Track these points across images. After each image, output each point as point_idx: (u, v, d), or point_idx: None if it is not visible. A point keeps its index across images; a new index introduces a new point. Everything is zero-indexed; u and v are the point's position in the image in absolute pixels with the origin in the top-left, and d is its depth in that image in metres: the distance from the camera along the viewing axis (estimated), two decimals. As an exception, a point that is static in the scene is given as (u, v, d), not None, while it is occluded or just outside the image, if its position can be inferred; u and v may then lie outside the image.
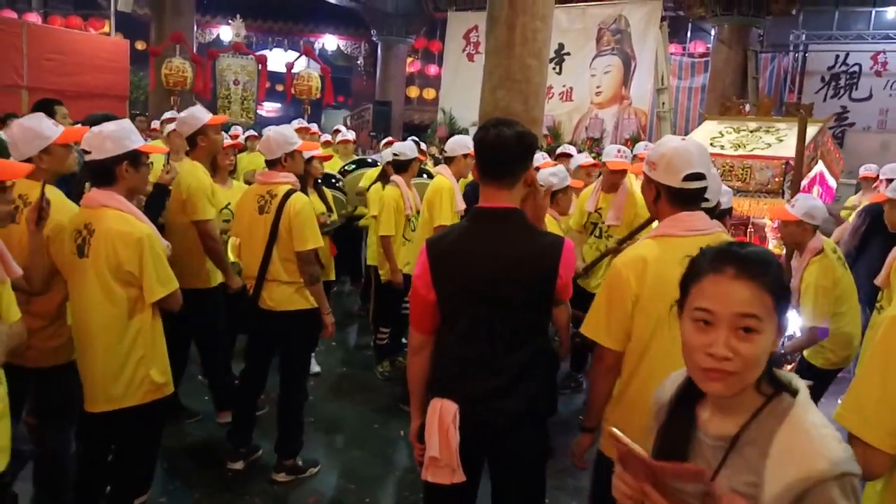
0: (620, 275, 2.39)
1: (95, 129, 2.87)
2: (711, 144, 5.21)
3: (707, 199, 2.59)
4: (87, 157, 2.87)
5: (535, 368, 2.38)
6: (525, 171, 2.40)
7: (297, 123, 8.17)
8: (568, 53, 13.01)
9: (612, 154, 5.17)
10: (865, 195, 7.29)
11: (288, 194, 3.77)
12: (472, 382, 2.34)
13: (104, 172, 2.87)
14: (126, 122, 3.00)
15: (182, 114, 4.43)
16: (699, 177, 2.38)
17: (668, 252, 2.32)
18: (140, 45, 18.04)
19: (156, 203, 4.10)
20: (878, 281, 3.85)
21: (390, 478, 4.20)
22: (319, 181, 5.09)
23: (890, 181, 6.37)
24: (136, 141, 2.94)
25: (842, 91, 14.32)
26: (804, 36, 14.59)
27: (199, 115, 4.29)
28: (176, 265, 3.07)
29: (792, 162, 4.67)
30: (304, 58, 13.43)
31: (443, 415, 2.31)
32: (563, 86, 13.05)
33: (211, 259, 4.31)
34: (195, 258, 4.25)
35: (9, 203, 2.55)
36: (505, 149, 2.34)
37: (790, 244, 4.28)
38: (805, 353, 4.22)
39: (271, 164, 3.91)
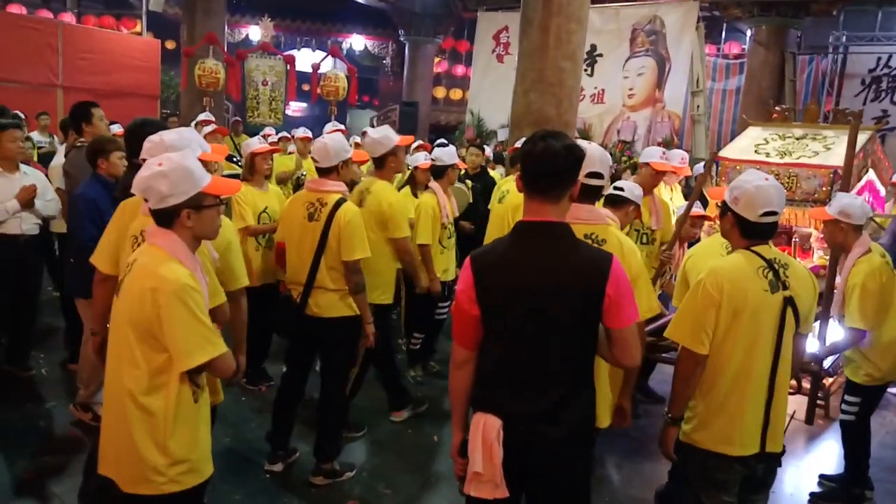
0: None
1: (152, 167, 2.36)
2: (756, 151, 5.09)
3: (776, 213, 2.77)
4: (146, 205, 2.46)
5: (579, 396, 2.33)
6: (574, 185, 2.33)
7: (331, 126, 8.16)
8: (601, 55, 12.87)
9: (657, 155, 5.07)
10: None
11: (338, 203, 3.78)
12: (515, 401, 2.30)
13: (161, 216, 2.41)
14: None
15: (374, 133, 4.55)
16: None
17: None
18: (170, 45, 18.20)
19: None
20: None
21: (425, 484, 4.18)
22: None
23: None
24: (200, 180, 2.41)
25: (883, 94, 13.99)
26: (844, 37, 14.27)
27: (392, 135, 4.50)
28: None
29: (840, 171, 4.54)
30: (330, 58, 13.41)
31: (486, 430, 2.28)
32: (595, 88, 12.92)
33: (408, 270, 4.84)
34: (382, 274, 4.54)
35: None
36: (553, 162, 2.27)
37: (832, 246, 4.23)
38: (847, 371, 4.10)
39: (325, 171, 3.89)
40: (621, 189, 4.09)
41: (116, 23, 18.34)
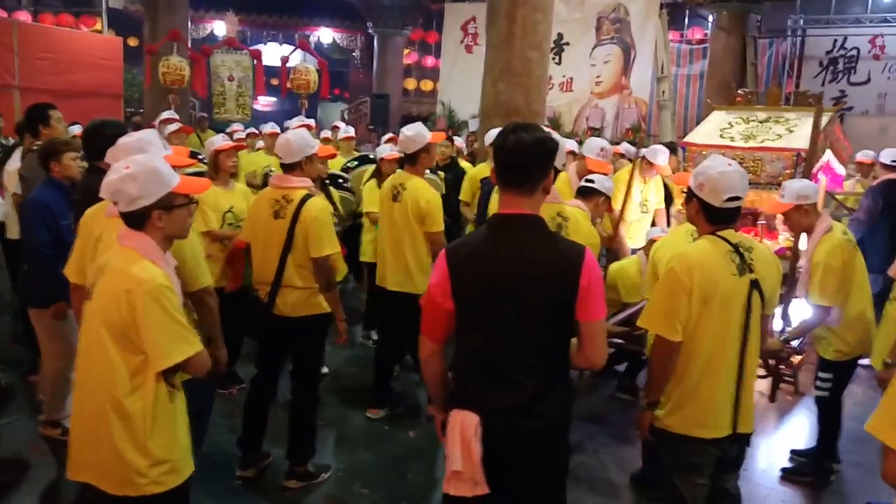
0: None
1: (119, 170, 2.34)
2: (721, 136, 5.16)
3: (740, 199, 2.82)
4: (112, 208, 2.45)
5: (555, 388, 2.34)
6: (546, 178, 2.34)
7: (297, 121, 8.09)
8: (567, 43, 12.94)
9: (595, 151, 5.16)
10: (861, 180, 7.26)
11: (304, 199, 3.71)
12: (491, 395, 2.30)
13: (132, 218, 2.40)
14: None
15: (408, 131, 4.58)
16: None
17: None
18: (133, 42, 17.89)
19: None
20: (893, 272, 3.80)
21: (403, 481, 4.16)
22: (327, 181, 5.03)
23: (890, 166, 6.37)
24: (170, 180, 2.40)
25: (840, 75, 14.24)
26: (802, 21, 14.50)
27: (425, 133, 4.57)
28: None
29: (804, 153, 4.61)
30: (299, 51, 13.30)
31: (464, 428, 2.27)
32: (564, 76, 13.00)
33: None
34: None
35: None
36: (525, 155, 2.28)
37: (799, 231, 4.25)
38: (818, 348, 4.17)
39: (289, 167, 3.82)
40: (592, 181, 4.35)
41: (75, 21, 17.94)
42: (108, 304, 2.29)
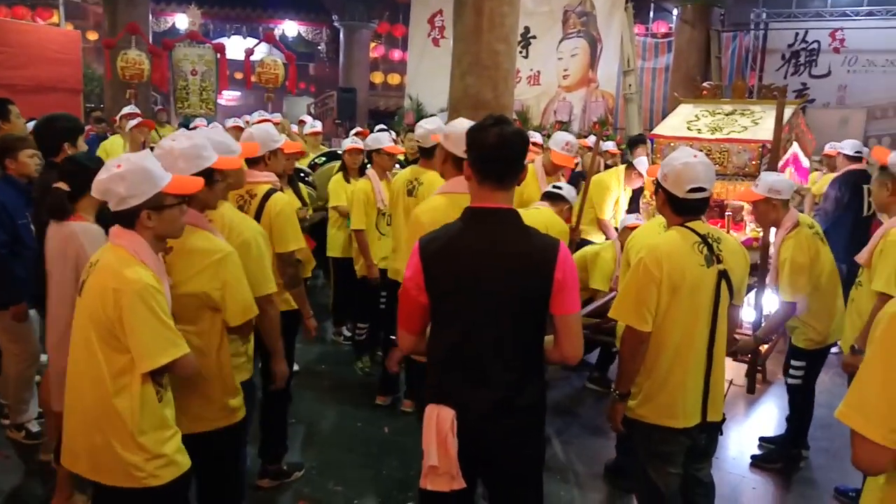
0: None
1: (110, 168, 2.31)
2: (688, 128, 5.21)
3: (704, 189, 2.82)
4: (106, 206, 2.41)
5: (530, 382, 2.34)
6: (523, 171, 2.34)
7: (258, 115, 8.04)
8: (534, 37, 12.97)
9: (560, 145, 5.16)
10: (828, 174, 7.39)
11: (268, 194, 3.62)
12: (467, 389, 2.29)
13: (122, 217, 2.38)
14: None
15: (427, 125, 4.37)
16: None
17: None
18: (92, 36, 17.54)
19: None
20: (859, 259, 3.87)
21: (377, 477, 4.14)
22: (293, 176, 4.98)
23: (853, 157, 6.50)
24: (160, 180, 2.36)
25: (801, 68, 14.48)
26: (765, 14, 14.73)
27: (444, 127, 4.28)
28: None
29: (769, 145, 4.67)
30: (263, 45, 13.14)
31: (440, 422, 2.26)
32: (531, 69, 13.03)
33: None
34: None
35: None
36: (510, 149, 2.28)
37: (765, 224, 4.31)
38: (791, 337, 4.24)
39: (253, 162, 3.73)
40: (560, 188, 4.47)
41: (31, 13, 17.53)
42: (95, 300, 2.29)
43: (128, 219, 2.35)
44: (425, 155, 4.45)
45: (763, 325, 4.31)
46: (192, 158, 2.60)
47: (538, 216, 4.20)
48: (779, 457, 4.39)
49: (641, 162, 6.18)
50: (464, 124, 2.82)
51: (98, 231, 3.34)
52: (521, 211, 2.43)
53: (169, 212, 2.40)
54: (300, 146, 5.25)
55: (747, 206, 5.27)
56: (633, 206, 6.44)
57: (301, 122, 9.26)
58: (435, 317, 2.36)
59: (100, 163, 3.42)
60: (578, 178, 7.38)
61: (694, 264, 2.76)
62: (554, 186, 4.53)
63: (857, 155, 6.55)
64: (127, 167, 2.30)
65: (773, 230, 4.32)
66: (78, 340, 2.38)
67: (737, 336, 4.23)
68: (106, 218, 3.32)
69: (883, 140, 12.73)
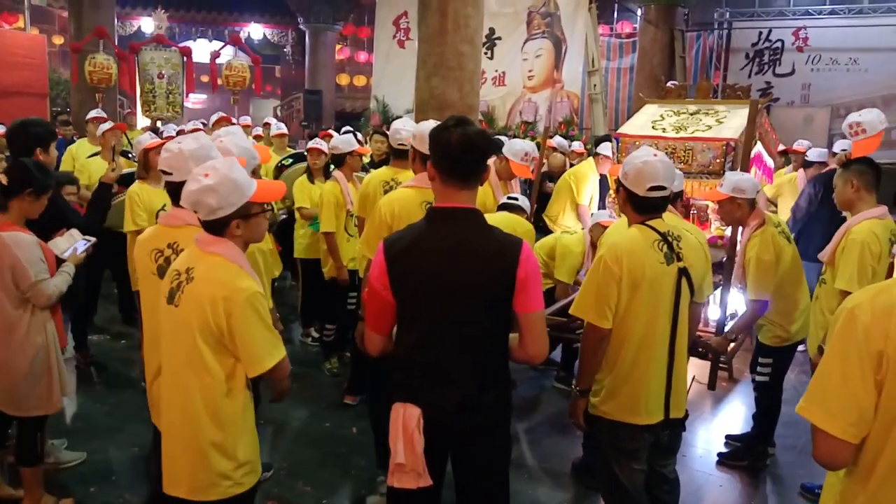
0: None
1: (199, 179, 2.35)
2: (653, 127, 5.25)
3: (664, 188, 2.84)
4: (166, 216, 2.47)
5: (496, 380, 2.37)
6: (486, 170, 2.37)
7: (216, 116, 8.04)
8: (499, 38, 13.02)
9: (519, 157, 5.02)
10: (796, 169, 7.51)
11: None
12: (433, 387, 2.31)
13: (212, 227, 2.41)
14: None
15: (417, 127, 4.16)
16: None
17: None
18: (58, 40, 17.28)
19: (101, 201, 3.94)
20: (822, 257, 3.92)
21: (346, 477, 4.14)
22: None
23: (819, 164, 6.68)
24: (248, 189, 2.39)
25: (766, 67, 14.69)
26: (728, 14, 14.93)
27: (433, 124, 4.23)
28: None
29: (732, 143, 4.74)
30: (229, 47, 13.05)
31: (406, 420, 2.28)
32: (496, 70, 13.07)
33: None
34: None
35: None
36: (474, 149, 2.30)
37: (731, 222, 4.32)
38: (758, 334, 4.28)
39: None
40: (516, 199, 4.71)
41: (-5, 18, 17.26)
42: (202, 310, 2.32)
43: (218, 228, 2.40)
44: (401, 156, 4.37)
45: (731, 323, 4.34)
46: (203, 159, 2.63)
47: (503, 219, 4.24)
48: (745, 454, 4.42)
49: (605, 147, 6.64)
50: (431, 124, 2.88)
51: (31, 240, 3.33)
52: (486, 215, 2.45)
53: (255, 220, 2.45)
54: (268, 151, 5.23)
55: (712, 205, 5.33)
56: (601, 195, 6.61)
57: (266, 125, 9.21)
58: (400, 316, 2.37)
59: (44, 170, 3.39)
60: (545, 179, 7.44)
61: (654, 262, 2.79)
62: (509, 197, 4.71)
63: (821, 161, 6.87)
64: (216, 178, 2.33)
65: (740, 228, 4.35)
66: (177, 351, 2.40)
67: (702, 334, 4.27)
68: (40, 224, 3.31)
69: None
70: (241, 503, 2.48)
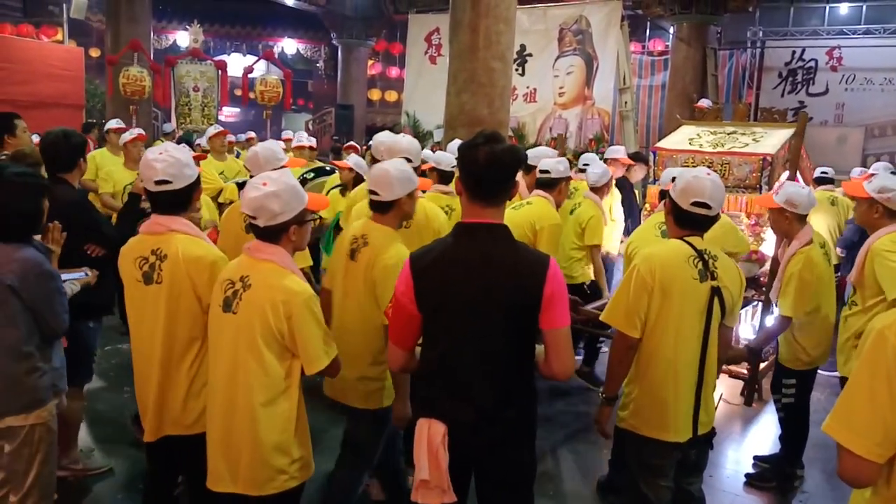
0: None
1: (258, 187, 2.46)
2: (690, 143, 5.27)
3: (709, 206, 2.84)
4: (253, 221, 2.52)
5: (520, 395, 2.36)
6: (515, 186, 2.37)
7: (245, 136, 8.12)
8: (530, 55, 13.05)
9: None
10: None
11: None
12: (457, 402, 2.31)
13: (270, 233, 2.52)
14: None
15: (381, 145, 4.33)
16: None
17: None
18: (94, 53, 17.67)
19: (132, 212, 4.00)
20: (850, 278, 3.86)
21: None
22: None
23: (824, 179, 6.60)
24: (304, 196, 2.55)
25: (799, 86, 14.58)
26: (761, 32, 14.83)
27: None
28: None
29: (769, 158, 4.73)
30: (262, 62, 13.25)
31: (431, 436, 2.28)
32: (527, 87, 13.10)
33: None
34: None
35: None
36: (500, 166, 2.30)
37: (777, 232, 4.26)
38: (781, 357, 4.21)
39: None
40: (547, 171, 4.46)
41: (36, 31, 17.71)
42: (262, 314, 2.43)
43: (275, 234, 2.50)
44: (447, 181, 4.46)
45: (756, 335, 4.27)
46: (271, 160, 2.87)
47: (529, 211, 4.21)
48: (774, 476, 4.35)
49: (615, 150, 6.57)
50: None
51: None
52: (511, 206, 2.46)
53: (306, 226, 2.60)
54: (303, 162, 5.29)
55: (747, 221, 5.28)
56: (625, 203, 6.51)
57: (287, 140, 9.15)
58: (425, 330, 2.38)
59: (30, 176, 3.31)
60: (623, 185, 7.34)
61: (687, 276, 2.77)
62: (540, 171, 4.49)
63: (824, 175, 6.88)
64: (278, 185, 2.46)
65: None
66: (234, 354, 2.48)
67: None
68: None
69: (882, 158, 12.77)
70: (294, 496, 2.59)
